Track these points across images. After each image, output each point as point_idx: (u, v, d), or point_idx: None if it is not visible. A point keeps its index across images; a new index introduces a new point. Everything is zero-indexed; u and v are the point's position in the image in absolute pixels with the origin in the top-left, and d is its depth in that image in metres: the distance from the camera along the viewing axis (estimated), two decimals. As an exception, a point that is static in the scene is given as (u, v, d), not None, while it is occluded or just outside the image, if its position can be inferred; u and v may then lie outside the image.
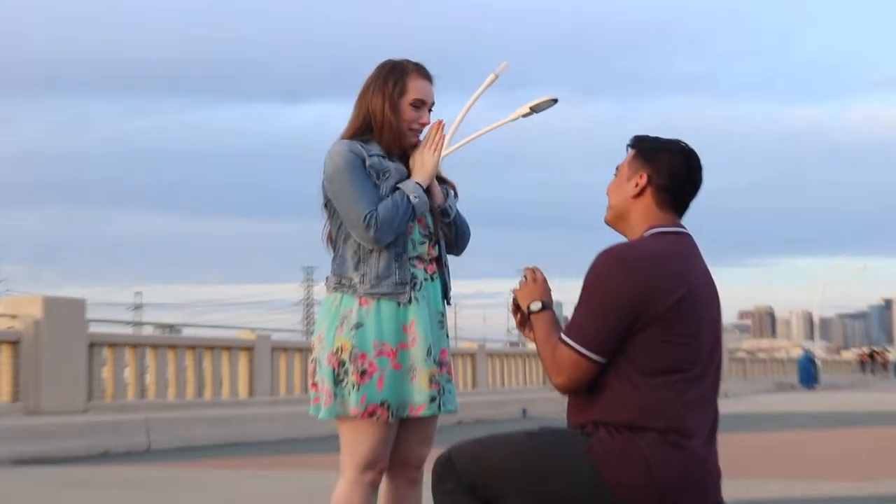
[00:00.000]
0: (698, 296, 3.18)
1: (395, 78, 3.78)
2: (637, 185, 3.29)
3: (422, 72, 3.83)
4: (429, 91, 3.83)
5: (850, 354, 69.46)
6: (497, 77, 19.84)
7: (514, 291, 3.39)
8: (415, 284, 3.70)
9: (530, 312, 3.31)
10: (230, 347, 17.18)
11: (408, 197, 3.68)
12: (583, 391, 3.14)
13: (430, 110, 3.84)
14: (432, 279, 3.77)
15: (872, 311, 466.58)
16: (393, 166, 3.75)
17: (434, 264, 3.79)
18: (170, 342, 16.52)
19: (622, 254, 3.15)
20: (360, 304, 3.66)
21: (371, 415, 3.61)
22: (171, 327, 22.93)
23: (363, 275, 3.67)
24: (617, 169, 3.39)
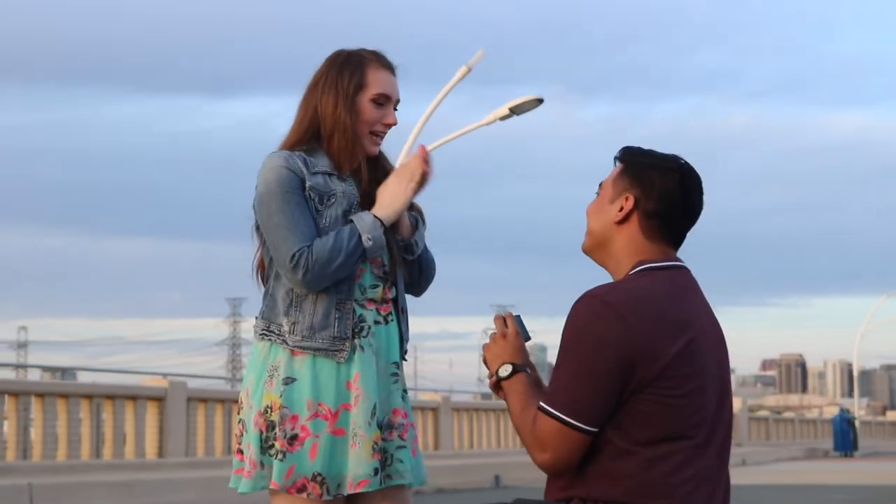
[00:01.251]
0: (701, 345, 3.18)
1: (350, 70, 3.74)
2: (622, 208, 3.27)
3: (383, 62, 3.80)
4: (393, 85, 3.80)
5: (896, 415, 69.83)
6: (470, 70, 19.88)
7: (483, 350, 3.38)
8: (361, 329, 3.67)
9: (499, 378, 3.30)
10: (136, 397, 17.10)
11: (359, 236, 3.62)
12: (573, 468, 3.14)
13: (394, 109, 3.80)
14: (385, 322, 3.73)
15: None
16: (340, 188, 3.70)
17: (389, 304, 3.76)
18: (61, 390, 16.42)
19: (605, 299, 3.14)
20: (292, 354, 3.63)
21: (300, 490, 3.58)
22: (63, 371, 22.79)
23: (294, 323, 3.64)
24: (600, 186, 3.37)
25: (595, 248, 3.35)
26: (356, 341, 3.65)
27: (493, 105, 22.08)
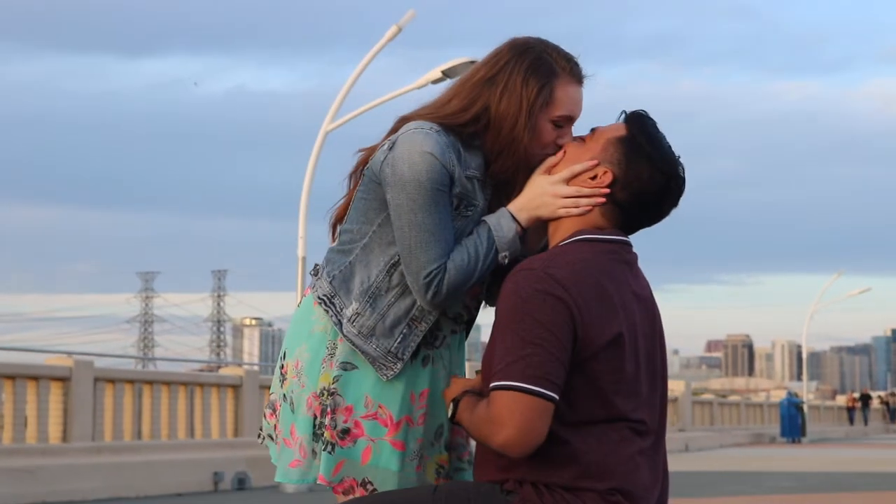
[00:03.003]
0: (637, 325, 3.24)
1: (539, 80, 3.41)
2: (596, 178, 3.31)
3: (575, 73, 3.48)
4: (580, 102, 3.49)
5: (846, 399, 70.72)
6: (400, 30, 19.90)
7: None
8: (435, 339, 3.45)
9: (453, 413, 3.28)
10: (38, 377, 16.95)
11: (496, 252, 3.36)
12: (542, 441, 3.10)
13: (573, 123, 3.51)
14: (458, 331, 3.55)
15: (877, 344, 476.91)
16: (483, 201, 3.46)
17: (466, 312, 3.56)
18: (-43, 368, 16.25)
19: (548, 271, 3.16)
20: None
21: (346, 492, 3.38)
22: (-40, 349, 22.52)
23: (357, 314, 3.40)
24: (592, 132, 3.38)
25: None
26: (429, 352, 3.44)
27: (425, 68, 22.06)
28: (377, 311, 3.39)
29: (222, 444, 18.40)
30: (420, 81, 21.39)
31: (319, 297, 3.44)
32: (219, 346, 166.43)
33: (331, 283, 3.44)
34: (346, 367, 3.37)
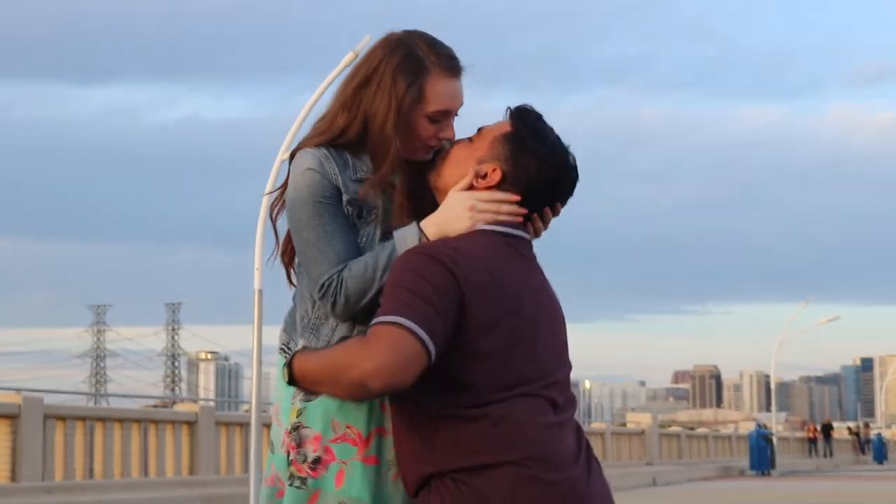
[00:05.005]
0: (537, 310, 3.29)
1: (407, 77, 3.45)
2: (486, 176, 3.37)
3: (448, 67, 3.51)
4: (457, 94, 3.52)
5: (806, 430, 70.97)
6: (357, 56, 19.90)
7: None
8: None
9: (290, 376, 3.23)
10: (-14, 414, 16.82)
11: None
12: (405, 385, 3.08)
13: (455, 115, 3.55)
14: None
15: (846, 374, 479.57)
16: (384, 200, 3.47)
17: None
18: None
19: (440, 250, 3.22)
20: None
21: None
22: None
23: (306, 347, 3.43)
24: (478, 132, 3.44)
25: (441, 192, 3.45)
26: None
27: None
28: (322, 339, 3.45)
29: (177, 483, 18.28)
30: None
31: (279, 348, 3.55)
32: (173, 381, 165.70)
33: (284, 330, 3.57)
34: (309, 398, 3.41)
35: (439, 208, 3.42)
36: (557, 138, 3.40)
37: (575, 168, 3.40)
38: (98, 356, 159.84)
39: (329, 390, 3.15)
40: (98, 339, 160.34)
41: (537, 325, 3.27)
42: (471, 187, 3.39)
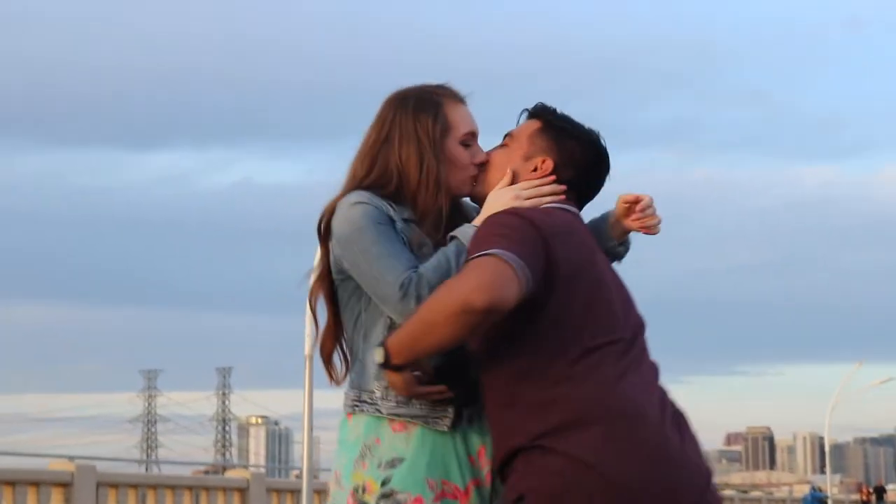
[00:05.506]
0: (606, 264, 3.46)
1: (428, 112, 3.53)
2: (536, 168, 3.52)
3: (457, 95, 3.62)
4: (473, 118, 3.64)
5: (860, 493, 70.05)
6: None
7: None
8: (461, 412, 3.44)
9: (388, 364, 3.29)
10: (38, 482, 16.87)
11: (465, 252, 3.38)
12: (505, 312, 3.15)
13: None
14: None
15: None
16: (434, 236, 3.50)
17: None
18: (-45, 474, 16.17)
19: (521, 212, 3.35)
20: (392, 430, 3.42)
21: None
22: (-41, 453, 22.45)
23: (387, 387, 3.41)
24: (508, 136, 3.58)
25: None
26: (470, 410, 3.44)
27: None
28: None
29: (229, 550, 18.24)
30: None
31: (350, 406, 3.51)
32: (224, 447, 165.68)
33: (352, 388, 3.52)
34: (394, 463, 3.40)
35: (484, 208, 3.50)
36: (581, 123, 3.60)
37: (605, 145, 3.60)
38: (149, 421, 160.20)
39: (431, 338, 3.17)
40: (149, 404, 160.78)
41: (611, 278, 3.41)
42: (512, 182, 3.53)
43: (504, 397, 3.26)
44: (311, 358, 20.03)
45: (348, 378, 3.56)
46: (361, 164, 3.57)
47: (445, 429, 3.41)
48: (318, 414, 14.93)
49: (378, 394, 3.44)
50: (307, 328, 20.53)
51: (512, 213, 3.34)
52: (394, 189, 3.51)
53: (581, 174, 3.55)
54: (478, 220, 3.47)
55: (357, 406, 3.50)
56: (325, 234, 3.54)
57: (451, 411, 3.41)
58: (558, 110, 3.58)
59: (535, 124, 3.57)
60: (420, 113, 3.54)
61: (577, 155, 3.55)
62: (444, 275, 3.35)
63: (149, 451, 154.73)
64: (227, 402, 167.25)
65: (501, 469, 3.29)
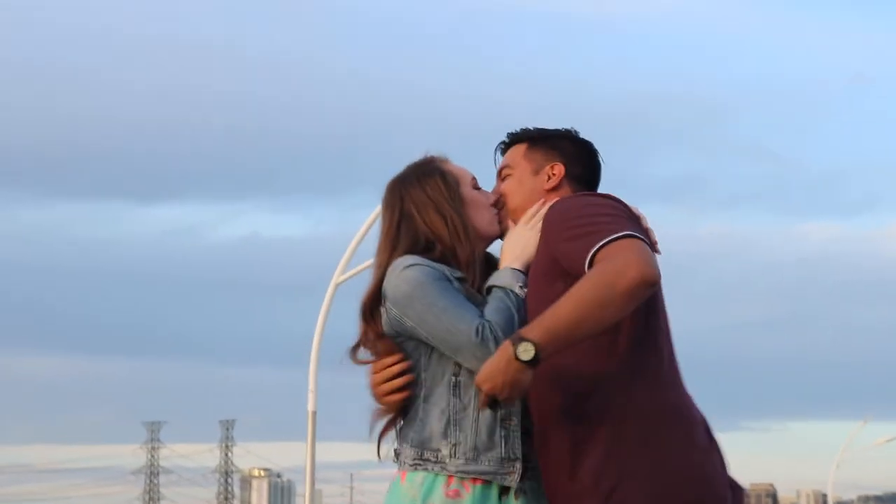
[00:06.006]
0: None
1: (434, 177, 3.64)
2: (550, 176, 3.59)
3: (446, 157, 3.75)
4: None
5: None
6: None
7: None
8: (527, 467, 3.47)
9: (527, 361, 3.19)
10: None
11: (513, 292, 3.47)
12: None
13: None
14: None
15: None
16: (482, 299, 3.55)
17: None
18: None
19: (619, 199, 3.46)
20: (446, 495, 3.42)
21: None
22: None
23: (455, 445, 3.44)
24: (504, 168, 3.65)
25: (520, 212, 3.63)
26: (526, 479, 3.47)
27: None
28: (468, 431, 3.45)
29: None
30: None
31: (411, 465, 3.48)
32: (226, 499, 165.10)
33: (412, 445, 3.50)
34: None
35: (506, 248, 3.58)
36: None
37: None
38: (152, 473, 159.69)
39: (602, 314, 3.15)
40: (152, 455, 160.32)
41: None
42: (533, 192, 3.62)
43: (614, 398, 3.29)
44: (314, 415, 19.98)
45: (401, 437, 3.57)
46: (392, 241, 3.64)
47: (514, 485, 3.42)
48: (320, 467, 14.86)
49: (445, 452, 3.44)
50: (311, 384, 20.48)
51: (614, 198, 3.40)
52: (438, 255, 3.57)
53: (587, 166, 3.65)
54: (504, 262, 3.56)
55: (419, 464, 3.48)
56: (372, 304, 3.60)
57: (518, 466, 3.44)
58: (527, 127, 3.67)
59: (522, 146, 3.66)
60: (425, 179, 3.64)
61: (576, 151, 3.65)
62: (508, 318, 3.40)
63: (151, 502, 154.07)
64: (229, 455, 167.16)
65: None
